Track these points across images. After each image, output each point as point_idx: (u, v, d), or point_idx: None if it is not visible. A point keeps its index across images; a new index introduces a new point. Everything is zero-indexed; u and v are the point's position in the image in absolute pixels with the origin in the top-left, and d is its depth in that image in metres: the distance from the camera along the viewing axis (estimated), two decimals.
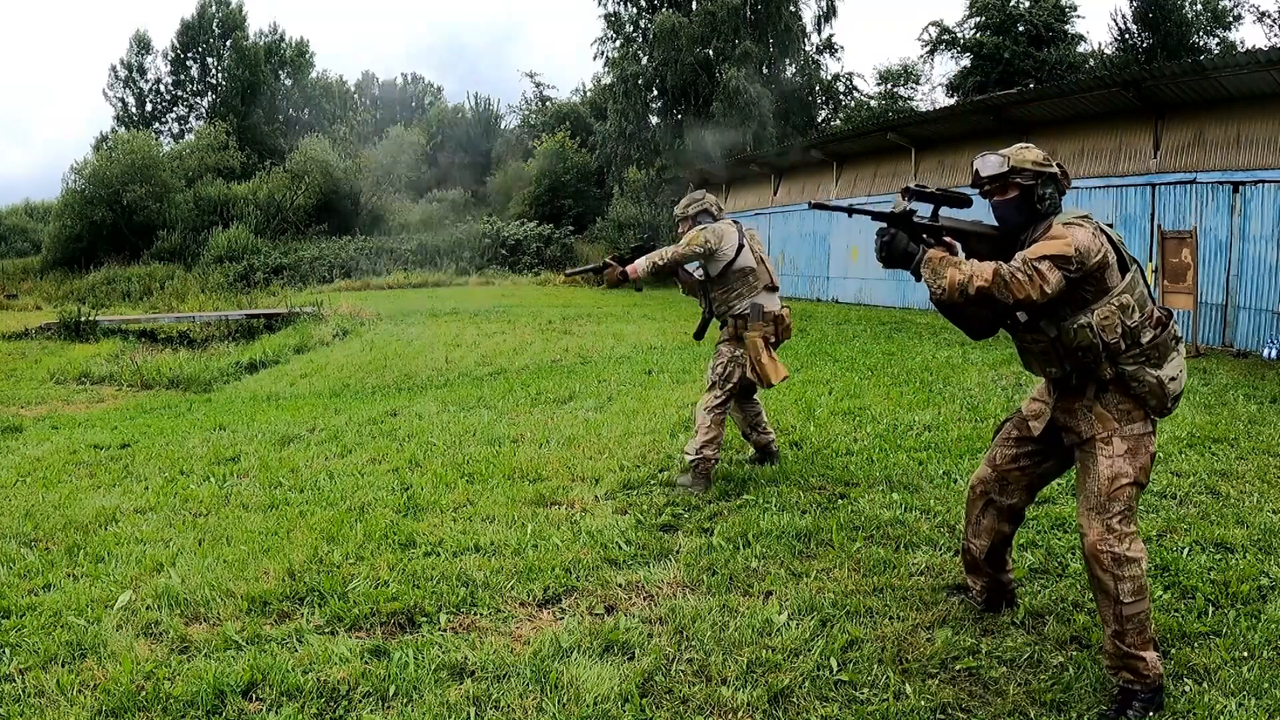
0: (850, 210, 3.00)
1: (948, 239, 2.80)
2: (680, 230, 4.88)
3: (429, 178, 44.16)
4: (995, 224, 2.80)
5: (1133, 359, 2.57)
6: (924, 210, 2.82)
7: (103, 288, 28.41)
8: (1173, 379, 2.58)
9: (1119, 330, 2.54)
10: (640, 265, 4.62)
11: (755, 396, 5.06)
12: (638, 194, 32.26)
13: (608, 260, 4.70)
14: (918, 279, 2.70)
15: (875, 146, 18.08)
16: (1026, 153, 2.66)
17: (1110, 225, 2.69)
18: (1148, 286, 2.63)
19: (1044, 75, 27.51)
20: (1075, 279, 2.50)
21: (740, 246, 4.70)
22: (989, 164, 2.68)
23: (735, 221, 4.85)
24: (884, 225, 2.72)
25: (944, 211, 2.82)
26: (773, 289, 4.78)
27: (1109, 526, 2.54)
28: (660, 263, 4.61)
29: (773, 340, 4.74)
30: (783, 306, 4.83)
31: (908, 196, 2.76)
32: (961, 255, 2.84)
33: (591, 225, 34.77)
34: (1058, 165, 2.72)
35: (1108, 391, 2.62)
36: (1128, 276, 2.56)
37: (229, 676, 2.70)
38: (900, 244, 2.68)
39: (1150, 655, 2.52)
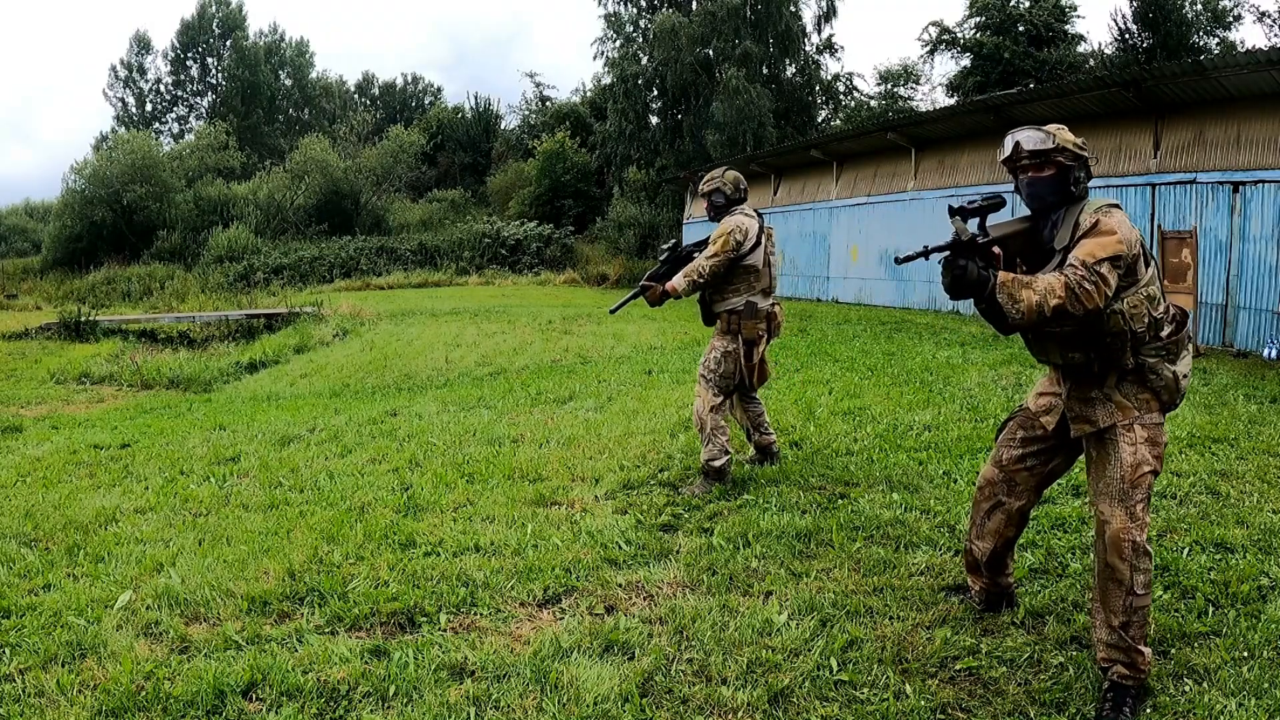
0: (926, 253, 2.68)
1: (994, 249, 2.70)
2: (702, 206, 4.97)
3: (429, 178, 44.20)
4: (1022, 216, 2.75)
5: (1154, 351, 2.59)
6: (971, 226, 2.70)
7: (103, 288, 28.39)
8: (1185, 375, 2.62)
9: (1145, 320, 2.54)
10: (680, 285, 4.53)
11: (756, 395, 5.04)
12: (638, 194, 32.29)
13: (644, 283, 4.65)
14: (989, 305, 2.56)
15: (875, 146, 18.07)
16: (1066, 132, 2.63)
17: None
18: (1160, 284, 2.66)
19: (1044, 75, 27.52)
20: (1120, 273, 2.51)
21: (756, 244, 4.65)
22: (1032, 139, 2.60)
23: (757, 214, 4.76)
24: (949, 257, 2.58)
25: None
26: (768, 292, 4.73)
27: (1132, 514, 2.53)
28: (700, 279, 4.53)
29: (764, 335, 4.72)
30: (774, 304, 4.79)
31: (963, 218, 2.63)
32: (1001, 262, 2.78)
33: (591, 225, 34.79)
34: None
35: (1127, 381, 2.61)
36: (1150, 269, 2.59)
37: (229, 676, 2.70)
38: (973, 274, 2.53)
39: (1147, 650, 2.54)
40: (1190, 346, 2.67)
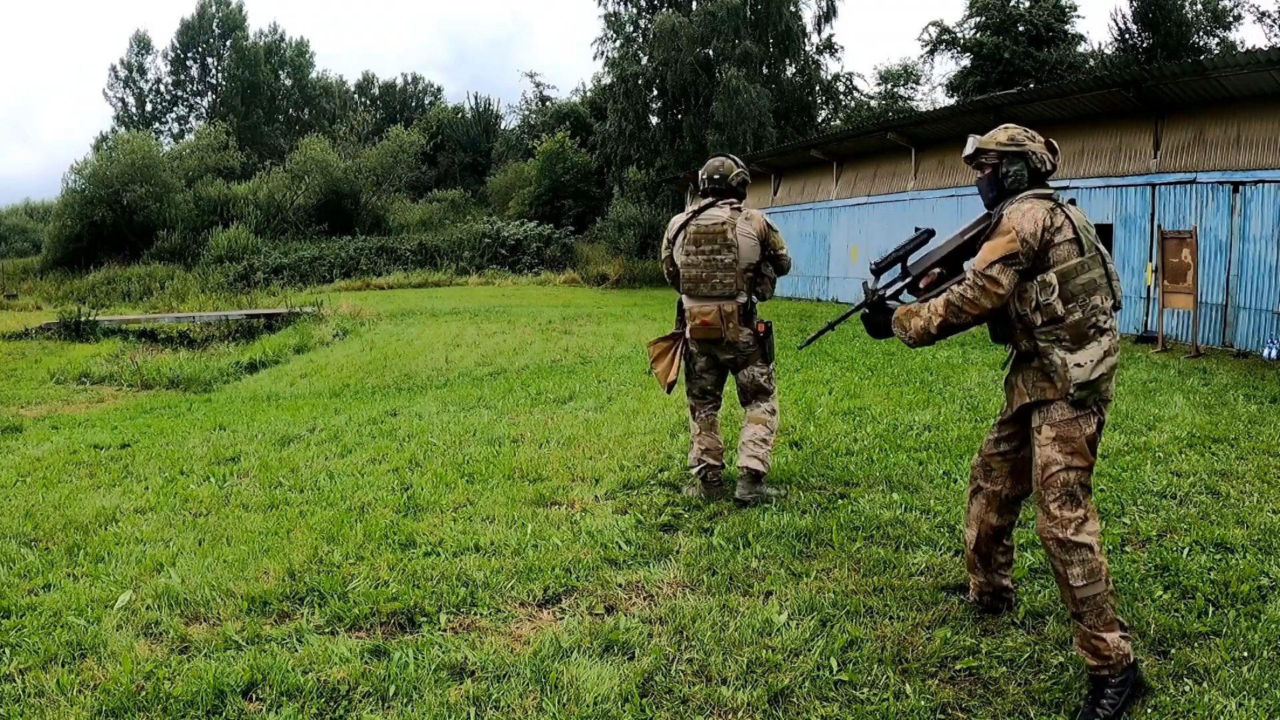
0: (831, 326, 3.40)
1: (925, 281, 2.97)
2: None
3: (429, 178, 44.18)
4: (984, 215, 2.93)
5: (1045, 335, 2.65)
6: (897, 269, 3.07)
7: (103, 288, 28.32)
8: (1079, 365, 2.61)
9: (1033, 303, 2.64)
10: None
11: (754, 409, 4.50)
12: (638, 194, 32.28)
13: None
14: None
15: (875, 146, 18.07)
16: (998, 133, 2.83)
17: (1077, 210, 2.79)
18: (1108, 280, 2.68)
19: (1044, 75, 27.53)
20: (1029, 266, 2.63)
21: (672, 242, 4.47)
22: (966, 146, 2.90)
23: (707, 209, 4.38)
24: (864, 314, 3.06)
25: (930, 244, 3.01)
26: (692, 294, 4.38)
27: (1048, 513, 2.64)
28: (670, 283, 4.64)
29: (683, 336, 4.47)
30: (703, 305, 4.35)
31: (878, 274, 3.02)
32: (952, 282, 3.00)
33: (591, 225, 34.79)
34: (1043, 141, 2.81)
35: (1029, 367, 2.72)
36: (1074, 260, 2.63)
37: (229, 676, 2.70)
38: (879, 322, 3.03)
39: (1111, 636, 2.55)
40: (1104, 340, 2.62)
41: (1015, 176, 2.78)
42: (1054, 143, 2.84)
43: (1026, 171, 2.78)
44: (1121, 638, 2.55)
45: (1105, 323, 2.65)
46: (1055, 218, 2.65)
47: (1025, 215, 2.64)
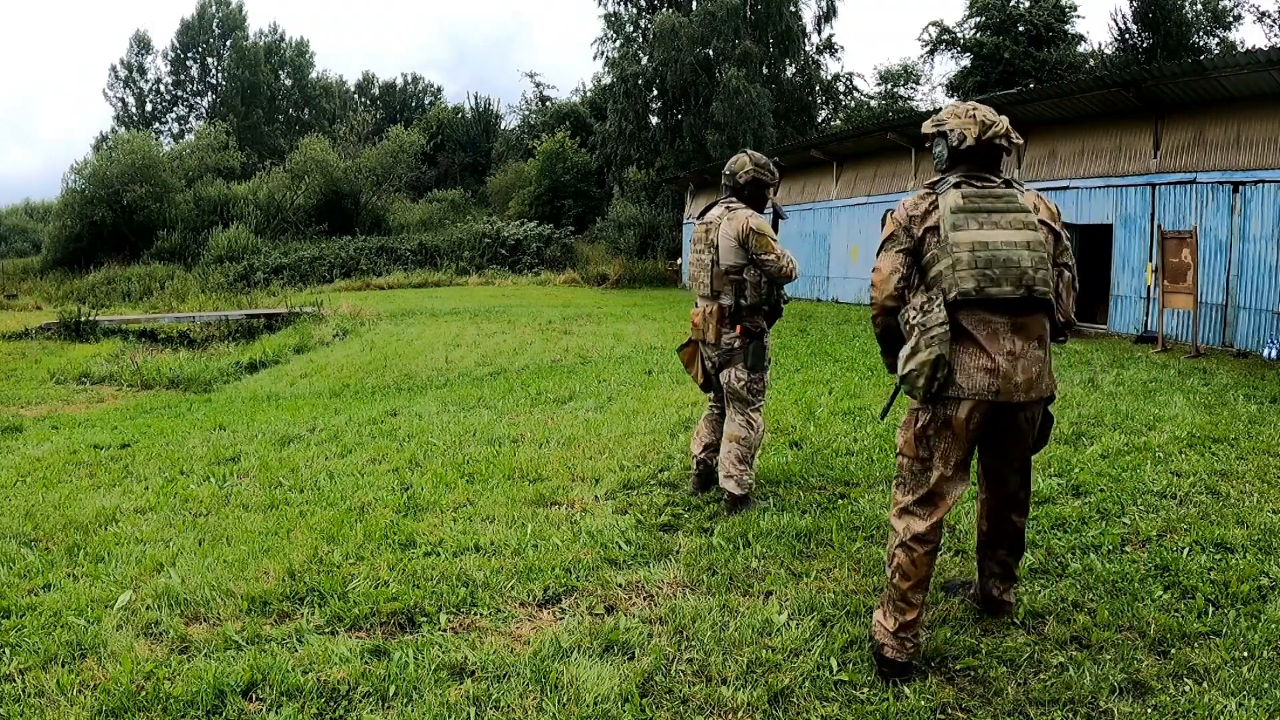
0: (899, 388, 3.02)
1: None
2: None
3: (429, 178, 44.20)
4: None
5: (907, 331, 2.69)
6: None
7: (103, 288, 28.32)
8: (900, 359, 2.68)
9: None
10: None
11: (730, 419, 4.37)
12: (638, 194, 32.30)
13: None
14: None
15: (875, 146, 18.06)
16: (935, 115, 2.90)
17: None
18: (953, 269, 2.61)
19: (1044, 75, 27.54)
20: (916, 245, 2.67)
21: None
22: None
23: (711, 208, 4.45)
24: None
25: None
26: (701, 294, 4.43)
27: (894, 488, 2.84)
28: None
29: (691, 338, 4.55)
30: (697, 307, 4.46)
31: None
32: None
33: (591, 225, 34.80)
34: (971, 116, 2.74)
35: None
36: (930, 252, 2.66)
37: (229, 676, 2.70)
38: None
39: (877, 612, 2.74)
40: (913, 335, 2.60)
41: (938, 157, 2.85)
42: (986, 117, 2.73)
43: (946, 151, 2.79)
44: (882, 622, 2.69)
45: (914, 318, 2.62)
46: (922, 204, 2.69)
47: (901, 203, 2.75)
